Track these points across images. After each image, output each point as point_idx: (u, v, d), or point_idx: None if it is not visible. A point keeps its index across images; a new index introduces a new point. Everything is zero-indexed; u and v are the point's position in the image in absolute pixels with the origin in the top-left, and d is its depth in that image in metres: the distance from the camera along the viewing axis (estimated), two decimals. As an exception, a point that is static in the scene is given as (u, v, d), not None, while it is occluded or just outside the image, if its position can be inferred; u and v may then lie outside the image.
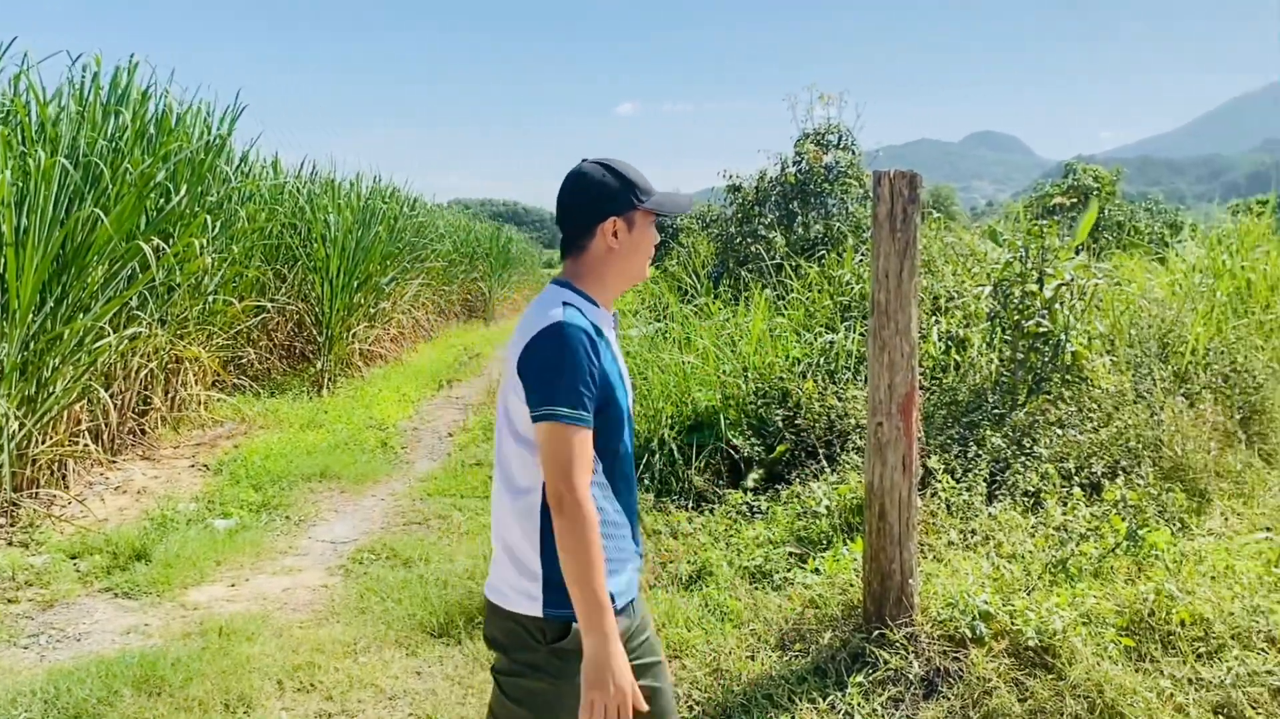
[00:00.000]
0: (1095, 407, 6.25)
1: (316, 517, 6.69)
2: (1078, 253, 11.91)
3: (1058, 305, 6.75)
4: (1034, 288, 6.85)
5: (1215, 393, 6.71)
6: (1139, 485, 5.34)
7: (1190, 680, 3.40)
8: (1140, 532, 4.39)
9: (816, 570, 4.45)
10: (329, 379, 11.58)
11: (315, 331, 11.82)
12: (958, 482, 5.28)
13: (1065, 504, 4.78)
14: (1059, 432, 5.97)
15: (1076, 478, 5.51)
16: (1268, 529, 4.73)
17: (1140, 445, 5.83)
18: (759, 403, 7.05)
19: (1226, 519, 5.23)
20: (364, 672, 4.13)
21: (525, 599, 2.03)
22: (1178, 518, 5.16)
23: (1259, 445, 6.36)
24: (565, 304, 2.03)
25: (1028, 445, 5.83)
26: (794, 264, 10.47)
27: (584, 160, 2.17)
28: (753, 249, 11.81)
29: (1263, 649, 3.52)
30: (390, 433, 9.31)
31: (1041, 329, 6.68)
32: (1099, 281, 7.19)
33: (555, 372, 1.94)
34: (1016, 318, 6.80)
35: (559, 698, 1.99)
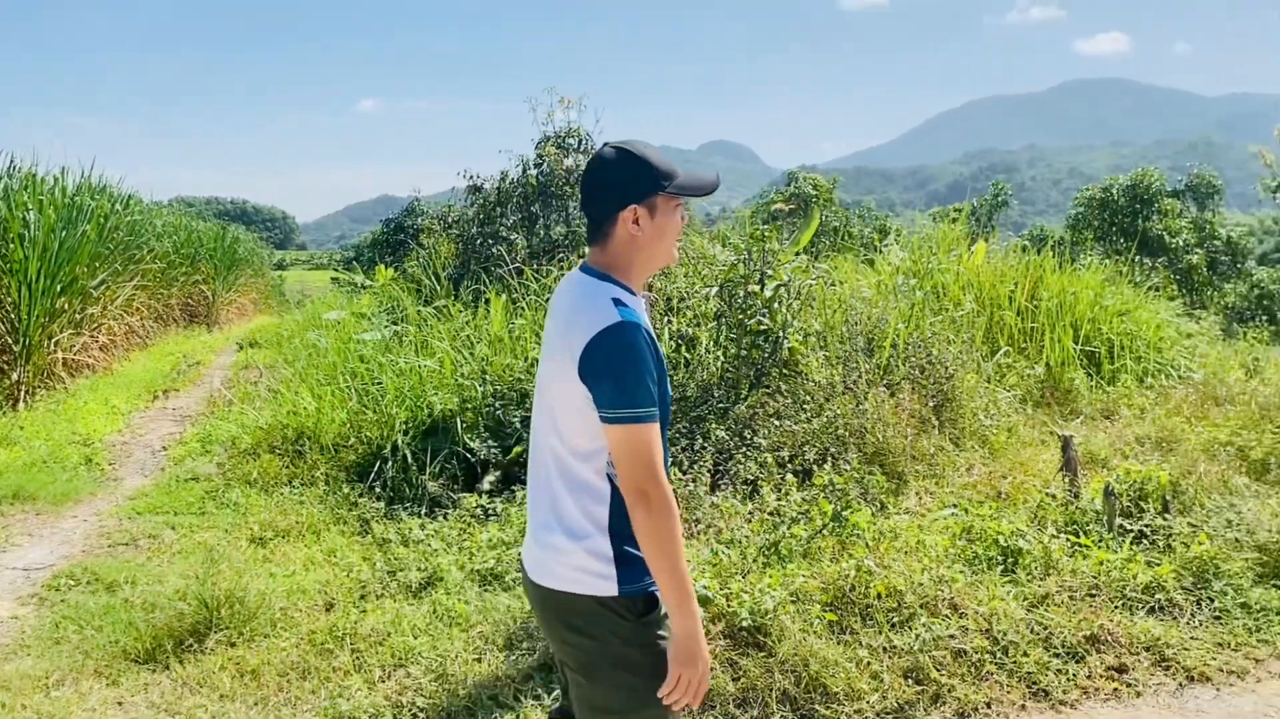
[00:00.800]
0: (809, 398, 6.67)
1: (6, 542, 6.04)
2: (798, 257, 12.67)
3: (777, 304, 7.14)
4: (756, 288, 7.22)
5: (913, 383, 7.33)
6: (845, 470, 5.75)
7: (885, 649, 3.69)
8: (844, 513, 4.71)
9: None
10: (26, 392, 10.50)
11: (10, 340, 10.69)
12: (684, 473, 5.48)
13: (779, 490, 5.06)
14: (777, 422, 6.33)
15: (791, 465, 5.87)
16: (954, 506, 5.20)
17: (847, 433, 6.28)
18: (497, 405, 7.02)
19: (920, 498, 5.72)
20: (57, 707, 3.76)
21: (601, 581, 2.04)
22: (878, 499, 5.60)
23: (949, 430, 7.00)
24: (616, 301, 2.03)
25: (748, 436, 6.14)
26: (535, 266, 10.52)
27: (605, 145, 2.12)
28: (494, 251, 11.76)
29: (947, 615, 3.88)
30: (96, 448, 8.54)
31: (762, 327, 7.04)
32: (813, 282, 7.68)
33: (626, 373, 1.96)
34: (740, 317, 7.14)
35: (650, 664, 2.04)
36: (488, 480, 6.32)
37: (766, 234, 7.53)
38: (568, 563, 2.07)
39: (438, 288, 11.37)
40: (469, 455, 6.59)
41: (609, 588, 2.05)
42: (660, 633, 2.07)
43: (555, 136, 12.99)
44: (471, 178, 12.92)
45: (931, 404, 7.26)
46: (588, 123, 12.95)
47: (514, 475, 6.38)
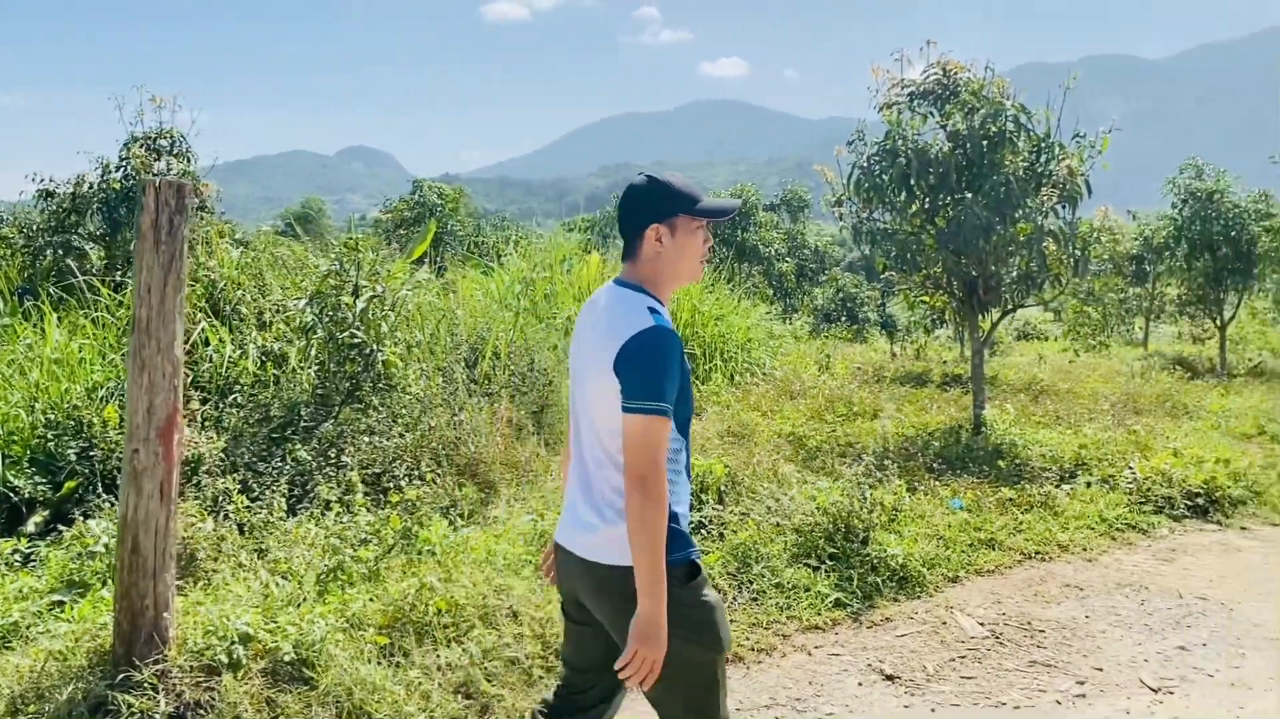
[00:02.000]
0: (405, 412, 6.54)
1: None
2: (421, 265, 12.46)
3: (372, 316, 6.94)
4: (349, 299, 6.98)
5: (514, 391, 7.43)
6: (436, 483, 5.69)
7: (439, 667, 3.64)
8: (415, 529, 4.63)
9: (69, 619, 4.01)
10: None
11: None
12: (254, 500, 5.15)
13: (351, 510, 4.89)
14: (368, 439, 6.14)
15: (381, 482, 5.71)
16: (535, 513, 5.29)
17: (441, 446, 6.23)
18: (50, 436, 6.25)
19: (510, 506, 5.78)
20: None
21: None
22: (468, 510, 5.60)
23: (547, 435, 7.16)
24: (652, 310, 2.31)
25: (334, 455, 5.91)
26: (117, 279, 9.54)
27: (639, 174, 2.40)
28: (67, 263, 10.54)
29: (505, 625, 3.90)
30: None
31: (356, 340, 6.81)
32: (408, 293, 7.55)
33: (651, 370, 2.23)
34: (333, 329, 6.87)
35: (704, 626, 2.32)
36: (33, 522, 5.59)
37: (361, 243, 7.31)
38: (615, 537, 2.29)
39: (3, 306, 10.01)
40: (11, 494, 5.81)
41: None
42: (703, 595, 2.35)
43: (145, 138, 11.90)
44: (42, 181, 11.55)
45: (532, 410, 7.40)
46: (183, 123, 11.92)
47: (67, 514, 5.70)
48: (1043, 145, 8.21)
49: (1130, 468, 6.71)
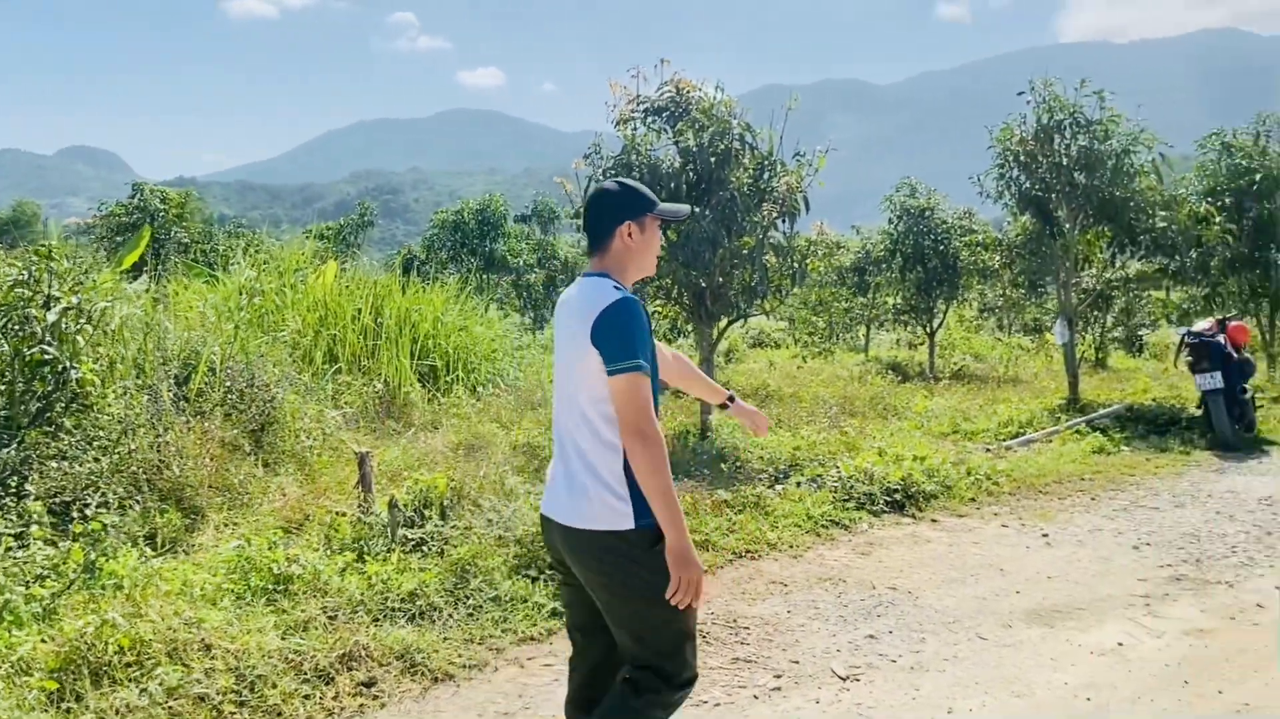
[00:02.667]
0: (102, 434, 6.03)
1: None
2: (137, 275, 11.56)
3: (67, 329, 6.36)
4: (40, 312, 6.36)
5: (229, 408, 7.01)
6: (132, 510, 5.28)
7: (116, 709, 3.37)
8: (100, 561, 4.28)
9: None
10: None
11: None
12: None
13: (26, 545, 4.45)
14: (59, 465, 5.62)
15: (71, 512, 5.23)
16: (243, 538, 5.01)
17: (142, 470, 5.78)
18: None
19: (219, 532, 5.45)
20: None
21: (620, 518, 2.56)
22: (170, 538, 5.23)
23: (267, 455, 6.82)
24: (616, 287, 2.61)
25: (15, 484, 5.36)
26: None
27: (605, 178, 2.34)
28: None
29: (195, 659, 3.66)
30: None
31: (47, 356, 6.22)
32: (108, 304, 6.98)
33: (628, 334, 2.51)
34: (19, 345, 6.24)
35: (661, 582, 2.53)
36: None
37: (56, 250, 6.70)
38: (594, 506, 2.57)
39: None
40: None
41: (626, 523, 2.56)
42: (664, 560, 2.56)
43: None
44: None
45: (251, 428, 7.02)
46: None
47: None
48: (766, 163, 8.66)
49: (837, 467, 7.17)
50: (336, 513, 5.43)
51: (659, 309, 10.06)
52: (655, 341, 2.85)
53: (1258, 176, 13.00)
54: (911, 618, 4.85)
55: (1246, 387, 9.91)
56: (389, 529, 5.13)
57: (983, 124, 12.17)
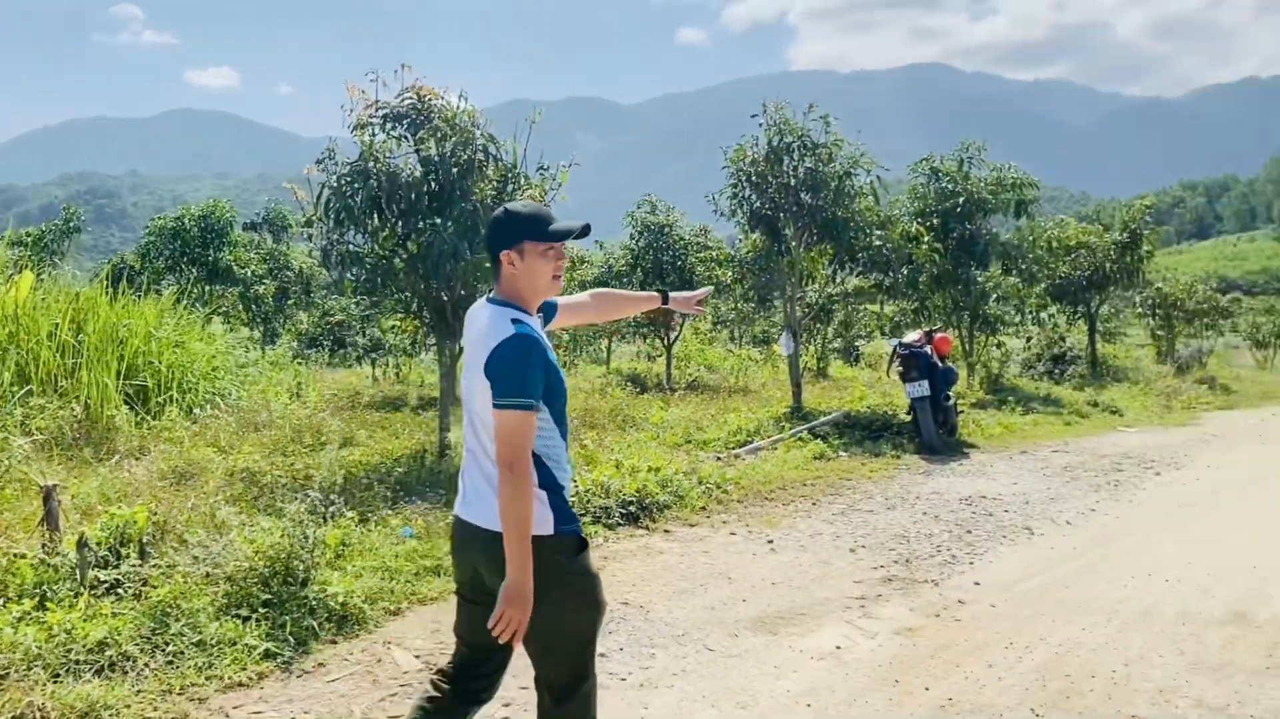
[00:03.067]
0: None
1: None
2: None
3: None
4: None
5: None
6: None
7: None
8: None
9: None
10: None
11: None
12: None
13: None
14: None
15: None
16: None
17: None
18: None
19: None
20: None
21: (539, 524, 2.61)
22: None
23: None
24: (515, 320, 2.68)
25: None
26: None
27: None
28: None
29: None
30: None
31: None
32: None
33: (515, 371, 2.60)
34: None
35: (582, 586, 2.70)
36: None
37: None
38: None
39: None
40: None
41: (546, 528, 2.62)
42: (589, 566, 2.72)
43: None
44: None
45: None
46: None
47: None
48: (510, 175, 8.54)
49: (574, 482, 7.16)
50: (15, 555, 4.81)
51: (397, 323, 9.74)
52: (574, 299, 3.21)
53: (961, 199, 14.28)
54: (643, 633, 4.88)
55: (950, 394, 10.82)
56: (77, 571, 4.60)
57: (719, 144, 12.66)
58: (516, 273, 2.75)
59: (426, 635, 4.76)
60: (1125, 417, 13.86)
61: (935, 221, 14.25)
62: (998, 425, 11.96)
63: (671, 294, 3.49)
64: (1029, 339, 19.48)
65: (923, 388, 10.34)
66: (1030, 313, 18.10)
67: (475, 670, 2.87)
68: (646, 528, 6.82)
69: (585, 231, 2.80)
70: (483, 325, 2.72)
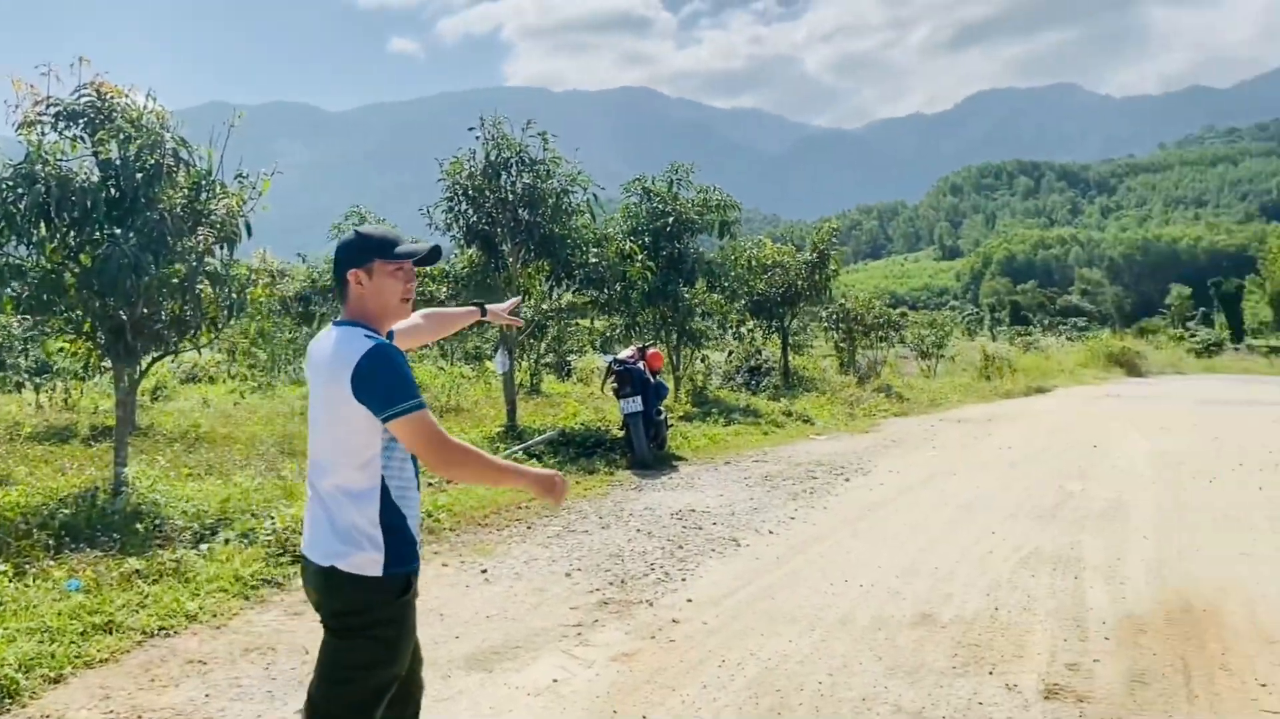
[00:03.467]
0: None
1: None
2: None
3: None
4: None
5: None
6: None
7: None
8: None
9: None
10: None
11: None
12: None
13: None
14: None
15: None
16: None
17: None
18: None
19: None
20: None
21: (369, 564, 2.61)
22: None
23: None
24: (368, 336, 2.65)
25: None
26: None
27: (349, 230, 3.09)
28: None
29: None
30: None
31: None
32: None
33: (392, 381, 2.57)
34: None
35: (396, 641, 2.68)
36: None
37: None
38: (350, 550, 2.60)
39: None
40: None
41: (376, 569, 2.62)
42: (404, 617, 2.71)
43: None
44: None
45: None
46: None
47: None
48: (204, 183, 7.78)
49: (272, 518, 6.61)
50: None
51: (65, 345, 8.63)
52: (407, 322, 3.15)
53: (671, 219, 14.75)
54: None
55: (662, 408, 11.06)
56: None
57: (434, 156, 12.32)
58: (365, 292, 2.75)
59: (94, 704, 4.15)
60: (816, 425, 14.79)
61: (647, 240, 14.64)
62: (703, 437, 12.40)
63: (489, 306, 3.67)
64: (730, 353, 20.47)
65: (636, 403, 10.50)
66: (731, 328, 19.00)
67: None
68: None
69: (436, 253, 2.78)
70: (329, 349, 2.68)
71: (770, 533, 7.45)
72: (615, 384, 10.82)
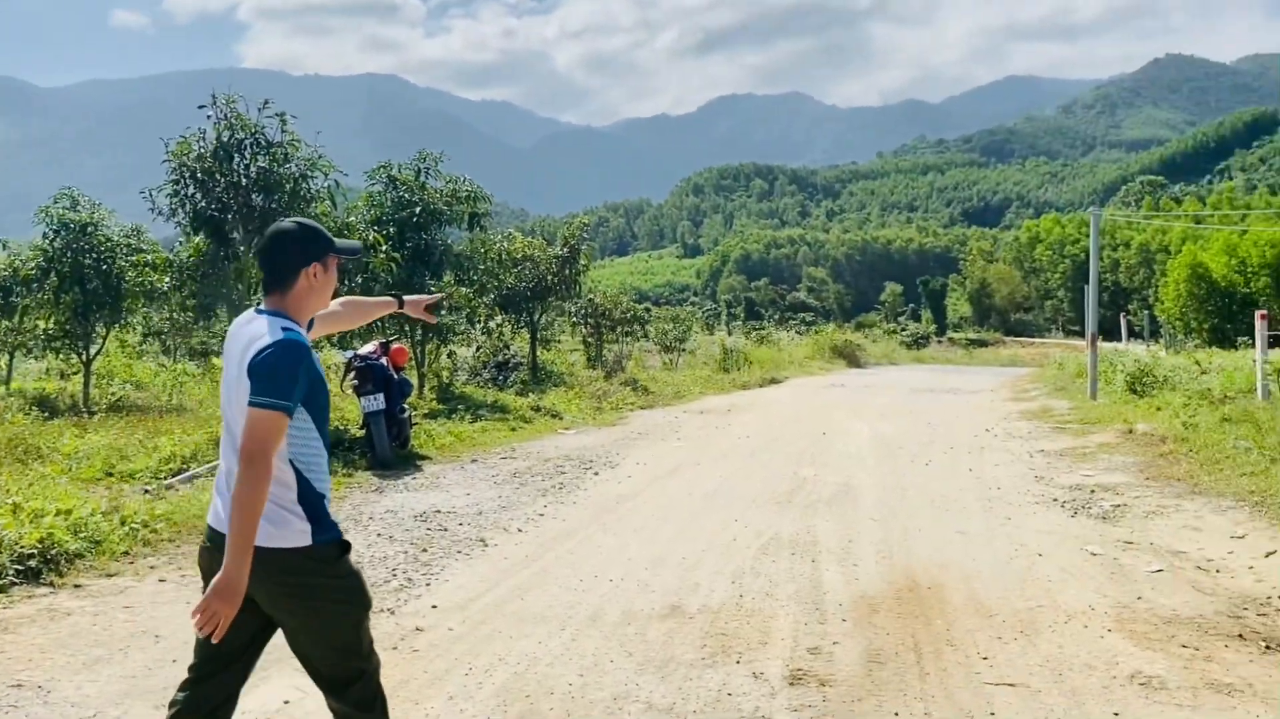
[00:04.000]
0: None
1: None
2: None
3: None
4: None
5: None
6: None
7: None
8: None
9: None
10: None
11: None
12: None
13: None
14: None
15: None
16: None
17: None
18: None
19: None
20: None
21: (299, 536, 2.73)
22: None
23: None
24: (285, 328, 2.72)
25: None
26: None
27: (284, 219, 2.94)
28: None
29: None
30: None
31: None
32: None
33: (276, 374, 2.62)
34: None
35: (353, 589, 2.84)
36: None
37: None
38: (276, 526, 2.69)
39: None
40: None
41: (304, 540, 2.73)
42: (352, 567, 2.85)
43: None
44: None
45: None
46: None
47: None
48: None
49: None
50: None
51: None
52: (329, 308, 3.16)
53: (418, 209, 14.29)
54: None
55: (405, 406, 10.66)
56: None
57: (160, 137, 11.31)
58: (315, 286, 2.84)
59: None
60: (564, 419, 14.81)
61: (392, 230, 14.14)
62: (449, 435, 12.08)
63: (405, 298, 3.63)
64: (478, 347, 20.17)
65: (378, 401, 10.06)
66: (479, 322, 18.74)
67: (215, 682, 2.86)
68: (51, 584, 5.68)
69: (363, 250, 2.79)
70: (250, 334, 2.74)
71: (519, 531, 7.32)
72: (355, 381, 10.31)
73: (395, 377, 10.52)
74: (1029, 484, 9.15)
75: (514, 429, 13.28)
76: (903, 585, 5.84)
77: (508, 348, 20.19)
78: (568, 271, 18.93)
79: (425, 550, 6.69)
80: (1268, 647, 4.67)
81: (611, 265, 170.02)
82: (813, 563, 6.36)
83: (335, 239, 2.92)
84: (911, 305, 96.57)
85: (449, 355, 17.56)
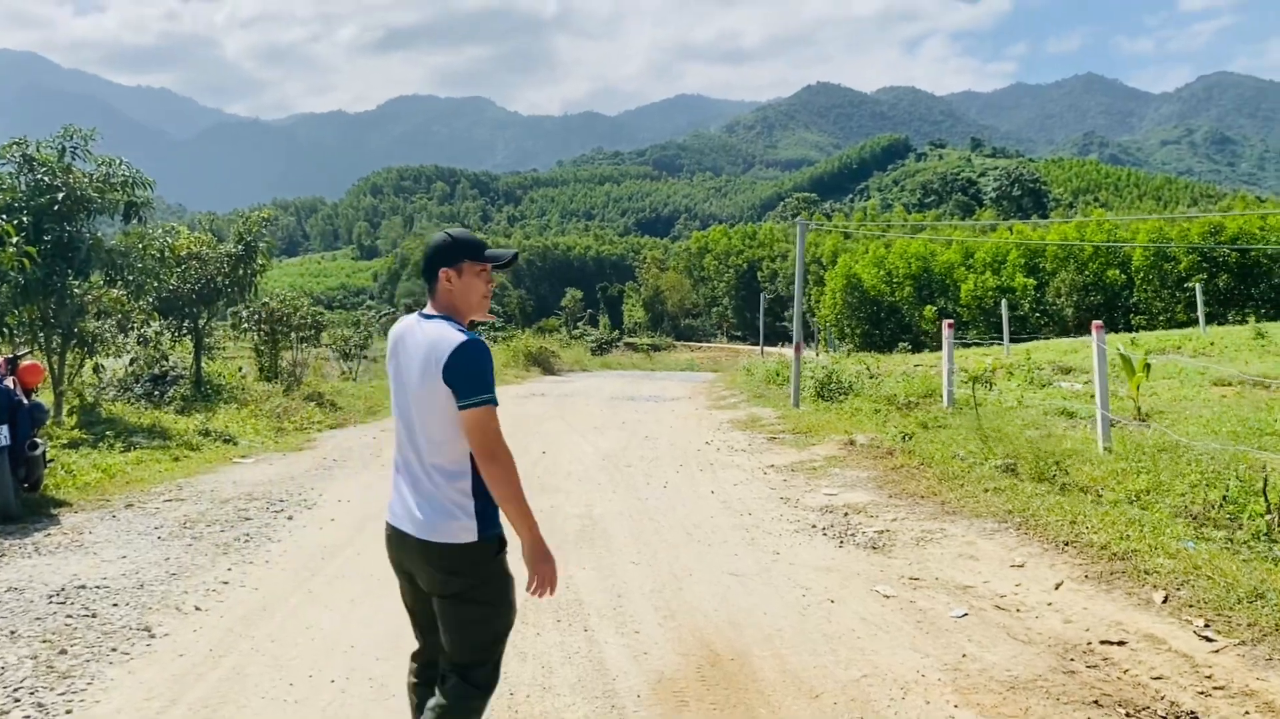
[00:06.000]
0: None
1: None
2: None
3: None
4: None
5: None
6: None
7: None
8: None
9: None
10: None
11: None
12: None
13: None
14: None
15: None
16: None
17: None
18: None
19: None
20: None
21: (466, 533, 2.93)
22: None
23: None
24: (460, 329, 2.95)
25: None
26: None
27: (439, 230, 3.21)
28: None
29: None
30: None
31: None
32: None
33: (475, 373, 2.87)
34: None
35: (504, 591, 3.01)
36: None
37: None
38: (446, 523, 2.92)
39: None
40: None
41: (471, 536, 2.93)
42: (506, 568, 3.02)
43: None
44: None
45: None
46: None
47: None
48: None
49: None
50: None
51: None
52: None
53: (60, 195, 11.72)
54: None
55: (39, 439, 8.36)
56: None
57: None
58: (453, 289, 3.06)
59: None
60: (240, 444, 12.69)
61: (27, 219, 11.50)
62: (95, 470, 9.79)
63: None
64: (132, 359, 17.24)
65: (2, 435, 7.78)
66: (135, 329, 15.99)
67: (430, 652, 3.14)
68: None
69: (515, 259, 3.15)
70: (424, 338, 2.96)
71: (198, 610, 5.60)
72: (-37, 408, 7.91)
73: (25, 402, 8.22)
74: (777, 507, 8.54)
75: (178, 459, 11.07)
76: (701, 658, 4.84)
77: (166, 358, 17.42)
78: (241, 272, 16.58)
79: (64, 652, 4.85)
80: (1128, 714, 4.10)
81: (281, 267, 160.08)
82: (586, 633, 5.22)
83: (483, 249, 3.10)
84: (590, 310, 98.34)
85: (95, 370, 14.77)
